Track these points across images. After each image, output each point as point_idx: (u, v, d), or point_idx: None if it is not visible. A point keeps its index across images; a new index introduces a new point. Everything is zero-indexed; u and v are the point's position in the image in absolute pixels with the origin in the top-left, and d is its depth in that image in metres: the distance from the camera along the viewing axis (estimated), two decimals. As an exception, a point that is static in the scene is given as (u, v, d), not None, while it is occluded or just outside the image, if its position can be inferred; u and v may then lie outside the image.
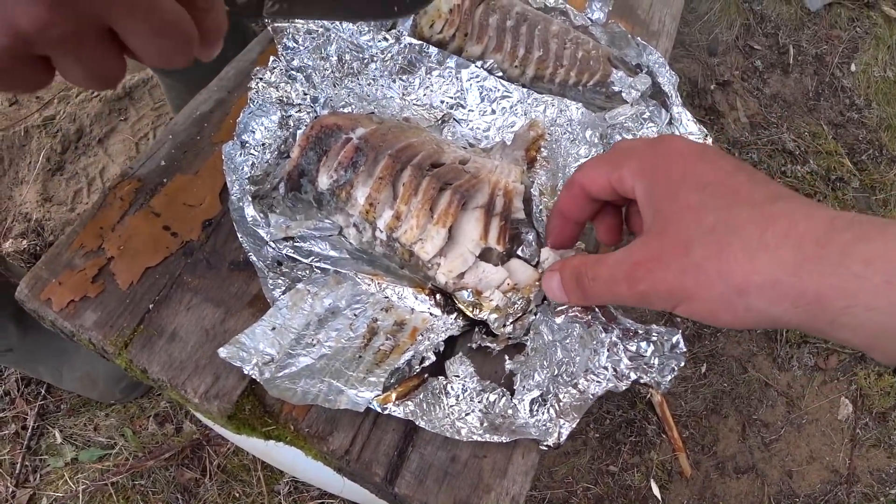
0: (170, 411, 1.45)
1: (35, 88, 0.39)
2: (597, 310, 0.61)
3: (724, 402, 1.68)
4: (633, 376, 0.59)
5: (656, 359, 0.59)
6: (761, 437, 1.67)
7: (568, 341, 0.60)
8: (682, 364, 0.60)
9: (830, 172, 2.14)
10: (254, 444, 0.94)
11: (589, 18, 0.98)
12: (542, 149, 0.73)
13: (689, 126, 0.90)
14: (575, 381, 0.59)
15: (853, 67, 2.41)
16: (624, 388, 0.59)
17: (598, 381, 0.59)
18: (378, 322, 0.63)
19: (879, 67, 2.42)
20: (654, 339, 0.60)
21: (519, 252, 0.65)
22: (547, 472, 1.52)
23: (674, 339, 0.60)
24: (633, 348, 0.60)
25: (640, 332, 0.61)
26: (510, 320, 0.62)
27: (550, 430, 0.58)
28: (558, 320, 0.61)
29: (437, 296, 0.64)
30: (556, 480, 1.52)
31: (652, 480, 1.56)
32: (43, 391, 1.45)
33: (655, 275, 0.47)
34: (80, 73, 0.38)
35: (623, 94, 0.87)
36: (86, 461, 1.38)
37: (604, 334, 0.60)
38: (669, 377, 0.59)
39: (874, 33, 2.46)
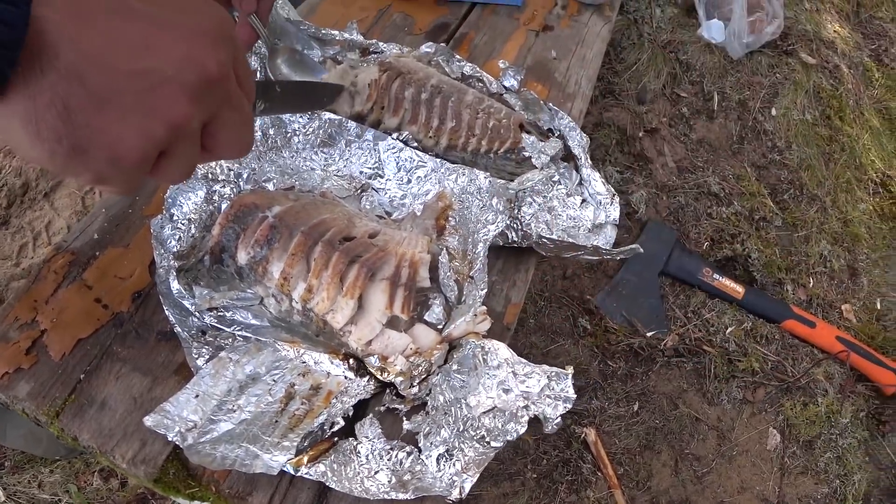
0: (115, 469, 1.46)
1: (135, 191, 0.43)
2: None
3: (656, 438, 1.75)
4: (527, 414, 0.64)
5: (547, 397, 0.65)
6: (694, 471, 1.74)
7: (468, 398, 0.66)
8: (571, 404, 0.66)
9: (754, 213, 2.25)
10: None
11: (504, 86, 1.05)
12: (451, 217, 0.80)
13: (597, 187, 0.97)
14: (479, 433, 0.64)
15: (774, 111, 2.54)
16: (522, 430, 0.65)
17: (497, 431, 0.64)
18: (295, 386, 0.68)
19: (798, 111, 2.55)
20: (545, 378, 0.66)
21: (426, 316, 0.71)
22: (487, 514, 1.56)
23: (565, 378, 0.66)
24: (526, 387, 0.66)
25: (532, 371, 0.66)
26: (415, 382, 0.67)
27: (455, 484, 0.63)
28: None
29: (351, 360, 0.69)
30: (497, 521, 1.56)
31: (589, 518, 1.61)
32: (-15, 449, 1.46)
33: None
34: (181, 168, 0.43)
35: (533, 160, 0.94)
36: (30, 519, 1.39)
37: (498, 373, 0.66)
38: (559, 414, 0.65)
39: (793, 79, 2.60)
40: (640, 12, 2.61)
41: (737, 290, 2.01)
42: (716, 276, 2.02)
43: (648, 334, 1.88)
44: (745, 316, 2.02)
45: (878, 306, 2.28)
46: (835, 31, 3.03)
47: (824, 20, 3.05)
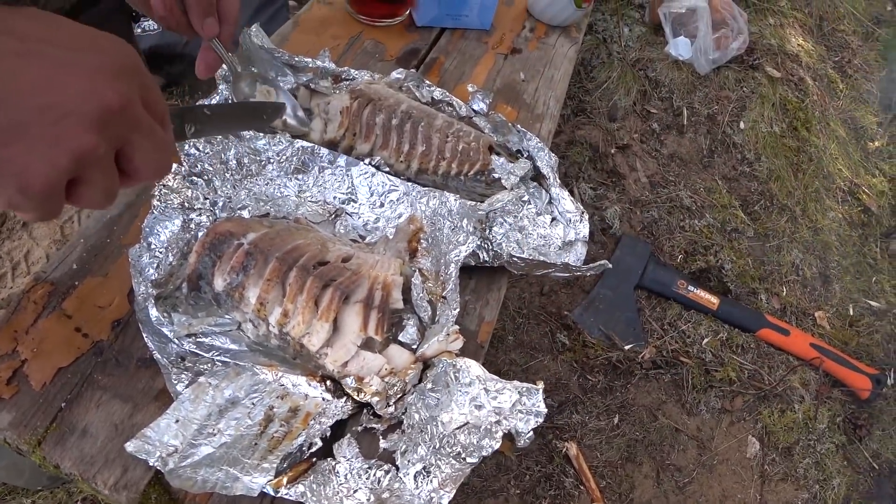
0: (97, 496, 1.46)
1: (53, 216, 0.46)
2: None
3: (637, 450, 1.77)
4: (500, 429, 0.66)
5: (518, 412, 0.67)
6: (675, 481, 1.76)
7: (441, 416, 0.68)
8: (542, 419, 0.68)
9: (726, 224, 2.29)
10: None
11: (473, 109, 1.08)
12: (423, 240, 0.82)
13: (566, 205, 1.00)
14: (455, 450, 0.66)
15: (742, 125, 2.60)
16: (496, 445, 0.66)
17: (472, 447, 0.66)
18: (274, 409, 0.69)
19: (766, 123, 2.61)
20: (516, 394, 0.68)
21: (400, 337, 0.73)
22: (471, 531, 1.57)
23: (535, 393, 0.68)
24: (497, 403, 0.68)
25: (503, 387, 0.68)
26: (391, 401, 0.69)
27: (433, 501, 0.65)
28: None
29: (328, 382, 0.71)
30: (481, 538, 1.57)
31: (573, 531, 1.63)
32: (-34, 483, 1.45)
33: None
34: (99, 191, 0.46)
35: (503, 181, 0.97)
36: (11, 552, 1.38)
37: (470, 390, 0.68)
38: (531, 429, 0.67)
39: (759, 92, 2.66)
40: (609, 31, 2.66)
41: (711, 301, 2.05)
42: (690, 287, 2.05)
43: (626, 347, 1.91)
44: (720, 326, 2.06)
45: (851, 312, 2.32)
46: (799, 44, 3.10)
47: (788, 34, 3.12)
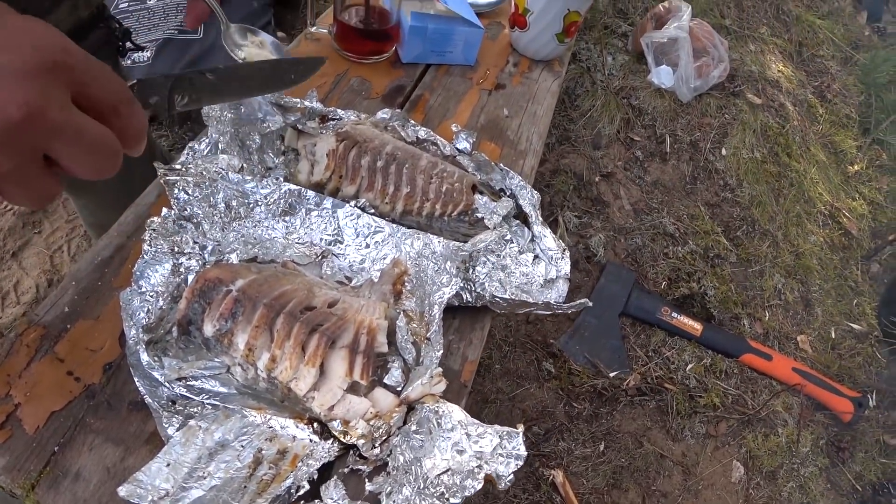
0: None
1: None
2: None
3: (623, 477, 1.79)
4: (481, 472, 0.68)
5: (499, 456, 0.69)
6: (661, 507, 1.78)
7: (426, 461, 0.70)
8: (522, 461, 0.70)
9: (709, 250, 2.33)
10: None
11: (457, 148, 1.11)
12: (407, 283, 0.84)
13: (548, 242, 1.02)
14: (439, 490, 0.68)
15: (724, 151, 2.65)
16: (478, 486, 0.68)
17: (456, 488, 0.68)
18: (263, 451, 0.71)
19: (747, 149, 2.66)
20: (497, 437, 0.70)
21: (386, 379, 0.75)
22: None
23: (515, 436, 0.70)
24: (479, 447, 0.70)
25: (483, 431, 0.70)
26: (376, 443, 0.71)
27: (418, 541, 0.67)
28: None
29: (315, 424, 0.73)
30: (469, 566, 1.58)
31: (560, 558, 1.64)
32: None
33: None
34: (23, 196, 0.45)
35: (486, 221, 0.99)
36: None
37: (452, 435, 0.70)
38: (511, 472, 0.68)
39: (740, 119, 2.71)
40: (593, 60, 2.71)
41: (695, 327, 2.08)
42: (674, 314, 2.08)
43: (611, 375, 1.93)
44: (704, 352, 2.08)
45: (833, 335, 2.36)
46: (779, 70, 3.17)
47: (768, 61, 3.18)
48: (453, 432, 0.70)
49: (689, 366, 2.03)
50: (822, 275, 2.52)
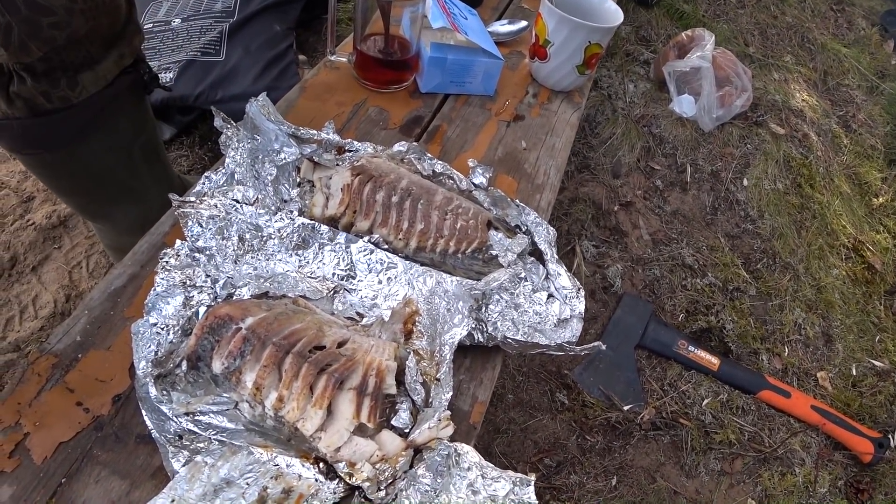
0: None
1: None
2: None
3: (635, 513, 1.77)
4: None
5: (510, 502, 0.68)
6: (673, 544, 1.75)
7: (436, 501, 0.69)
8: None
9: (728, 283, 2.31)
10: None
11: (473, 183, 1.10)
12: (418, 321, 0.84)
13: (563, 281, 1.01)
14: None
15: (746, 182, 2.62)
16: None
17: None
18: (268, 490, 0.70)
19: (769, 180, 2.64)
20: (510, 483, 0.69)
21: (393, 421, 0.75)
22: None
23: (528, 484, 0.69)
24: (489, 492, 0.69)
25: (498, 475, 0.70)
26: (382, 486, 0.70)
27: (421, 587, 0.66)
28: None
29: (321, 464, 0.72)
30: None
31: None
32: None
33: None
34: None
35: (500, 258, 0.99)
36: None
37: (468, 475, 0.69)
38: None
39: (763, 149, 2.69)
40: (614, 88, 2.71)
41: (712, 361, 2.05)
42: (691, 348, 2.06)
43: (626, 408, 1.91)
44: (721, 387, 2.06)
45: (854, 372, 2.32)
46: (803, 99, 3.14)
47: (792, 90, 3.16)
48: (469, 472, 0.70)
49: (706, 401, 2.00)
50: (843, 310, 2.48)
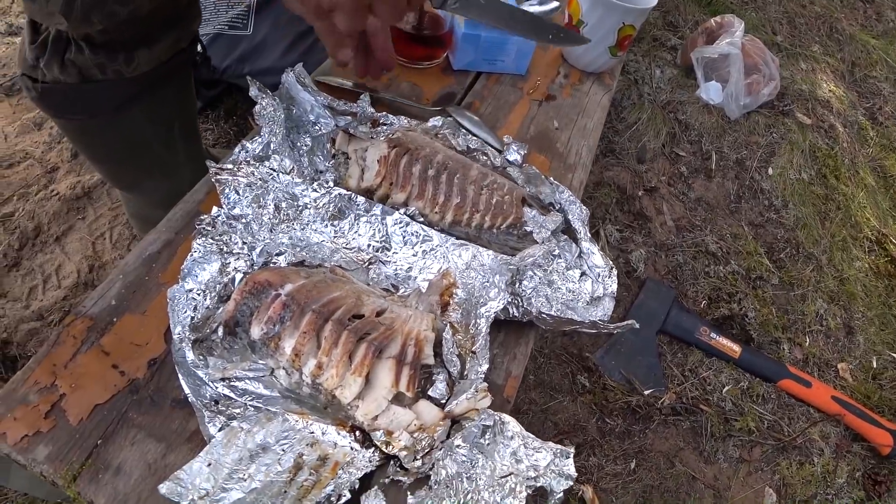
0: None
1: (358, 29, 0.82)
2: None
3: (653, 497, 1.76)
4: (534, 485, 0.68)
5: (552, 472, 0.69)
6: (690, 530, 1.75)
7: (472, 472, 0.69)
8: (572, 482, 0.69)
9: (751, 272, 2.29)
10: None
11: (507, 160, 1.10)
12: (455, 294, 0.83)
13: (595, 260, 1.01)
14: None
15: (771, 171, 2.60)
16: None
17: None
18: (304, 457, 0.70)
19: (794, 170, 2.61)
20: (551, 454, 0.69)
21: (430, 392, 0.75)
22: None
23: (568, 456, 0.69)
24: (531, 461, 0.69)
25: (540, 446, 0.70)
26: (419, 456, 0.70)
27: (455, 555, 0.66)
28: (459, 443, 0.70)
29: (357, 432, 0.72)
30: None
31: (586, 576, 1.62)
32: (-13, 493, 1.48)
33: None
34: (389, 11, 0.80)
35: (534, 234, 0.98)
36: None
37: (511, 444, 0.69)
38: (562, 489, 0.68)
39: (789, 139, 2.66)
40: (641, 73, 2.69)
41: (733, 349, 2.04)
42: (713, 334, 2.05)
43: (646, 392, 1.90)
44: (741, 375, 2.05)
45: (874, 364, 2.30)
46: (830, 90, 3.11)
47: (820, 80, 3.13)
48: (513, 441, 0.70)
49: (726, 388, 1.99)
50: (865, 302, 2.46)
